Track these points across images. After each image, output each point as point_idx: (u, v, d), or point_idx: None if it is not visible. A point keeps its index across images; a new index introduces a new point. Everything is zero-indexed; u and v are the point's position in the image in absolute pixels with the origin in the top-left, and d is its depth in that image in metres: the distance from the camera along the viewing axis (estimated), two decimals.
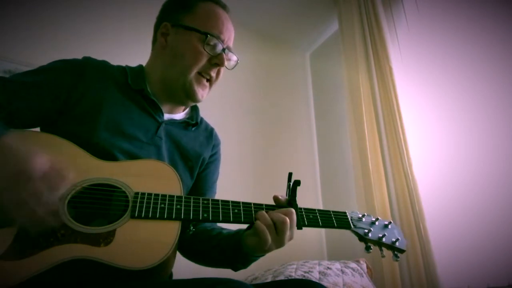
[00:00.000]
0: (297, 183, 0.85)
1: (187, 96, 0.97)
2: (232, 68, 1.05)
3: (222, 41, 0.96)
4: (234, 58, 1.04)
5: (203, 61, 0.95)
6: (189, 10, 0.98)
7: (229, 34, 1.00)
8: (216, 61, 0.96)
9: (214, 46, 0.95)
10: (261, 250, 0.80)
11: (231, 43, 1.02)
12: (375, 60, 2.18)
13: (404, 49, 2.12)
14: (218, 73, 1.00)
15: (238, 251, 0.86)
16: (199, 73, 0.96)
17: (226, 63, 0.99)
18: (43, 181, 0.62)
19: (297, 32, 2.96)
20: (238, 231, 0.90)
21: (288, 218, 0.78)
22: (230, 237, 0.91)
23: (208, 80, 0.99)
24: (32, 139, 0.78)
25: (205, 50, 0.94)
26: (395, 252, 0.90)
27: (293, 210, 0.80)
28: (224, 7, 1.02)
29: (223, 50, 0.97)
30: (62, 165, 0.66)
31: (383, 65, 2.10)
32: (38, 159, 0.63)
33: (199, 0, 0.99)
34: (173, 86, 0.96)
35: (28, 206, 0.61)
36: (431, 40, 2.00)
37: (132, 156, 0.85)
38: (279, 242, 0.78)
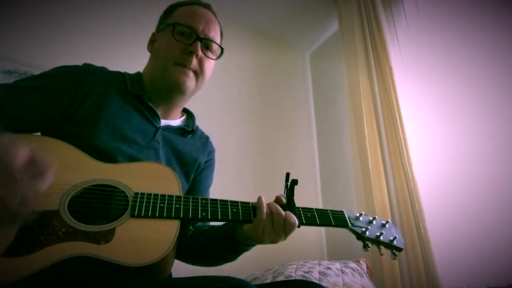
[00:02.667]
0: (295, 182, 0.86)
1: (169, 87, 0.97)
2: (217, 58, 1.05)
3: (195, 30, 0.98)
4: (215, 46, 1.03)
5: (176, 51, 0.96)
6: (169, 15, 1.04)
7: (205, 25, 1.00)
8: (190, 49, 0.96)
9: (187, 36, 0.97)
10: (255, 236, 0.81)
11: (210, 34, 1.01)
12: (375, 60, 2.18)
13: (404, 49, 2.13)
14: (200, 65, 0.99)
15: (230, 238, 0.88)
16: (177, 64, 0.96)
17: (204, 52, 0.99)
18: (21, 170, 0.61)
19: (297, 32, 2.96)
20: None
21: (285, 215, 0.80)
22: (222, 226, 0.93)
23: (193, 72, 0.98)
24: (32, 142, 0.78)
25: (175, 39, 0.96)
26: (393, 251, 0.92)
27: (289, 213, 0.82)
28: (204, 5, 1.05)
29: (199, 39, 0.97)
30: (45, 156, 0.65)
31: (383, 65, 2.10)
32: (16, 149, 0.61)
33: (179, 5, 1.04)
34: (158, 83, 0.99)
35: (6, 196, 0.59)
36: (431, 40, 2.00)
37: (132, 159, 0.87)
38: (272, 234, 0.80)
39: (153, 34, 1.07)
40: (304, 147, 2.85)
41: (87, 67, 0.96)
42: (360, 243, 0.91)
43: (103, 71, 0.99)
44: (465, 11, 1.88)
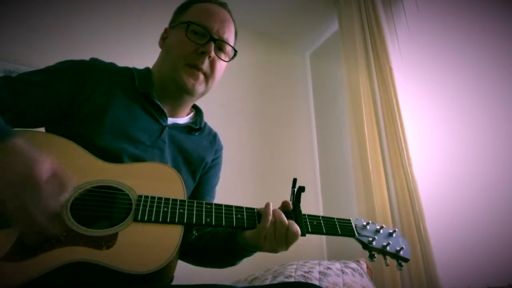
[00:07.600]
0: (302, 189, 0.85)
1: (176, 87, 0.96)
2: (230, 60, 1.03)
3: (209, 30, 0.95)
4: (229, 48, 1.01)
5: (188, 50, 0.94)
6: (184, 11, 1.01)
7: (220, 25, 0.98)
8: (203, 49, 0.93)
9: (200, 36, 0.95)
10: (256, 243, 0.80)
11: (224, 35, 0.98)
12: (375, 60, 2.18)
13: (404, 49, 2.12)
14: (212, 66, 0.97)
15: (231, 242, 0.87)
16: (189, 65, 0.94)
17: (217, 53, 0.97)
18: (46, 187, 0.63)
19: (297, 32, 2.96)
20: None
21: (288, 224, 0.80)
22: (223, 230, 0.92)
23: (203, 74, 0.97)
24: (37, 139, 0.78)
25: (188, 38, 0.94)
26: (399, 261, 0.90)
27: (293, 222, 0.81)
28: (220, 4, 1.03)
29: (212, 40, 0.95)
30: (65, 171, 0.67)
31: (383, 65, 2.10)
32: (43, 165, 0.63)
33: (195, 2, 1.02)
34: (166, 81, 0.97)
35: (27, 212, 0.61)
36: (431, 40, 2.00)
37: (136, 159, 0.85)
38: (274, 243, 0.79)
39: (166, 30, 1.04)
40: (304, 147, 2.84)
41: (94, 62, 0.93)
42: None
43: (110, 67, 0.97)
44: (465, 11, 1.88)
